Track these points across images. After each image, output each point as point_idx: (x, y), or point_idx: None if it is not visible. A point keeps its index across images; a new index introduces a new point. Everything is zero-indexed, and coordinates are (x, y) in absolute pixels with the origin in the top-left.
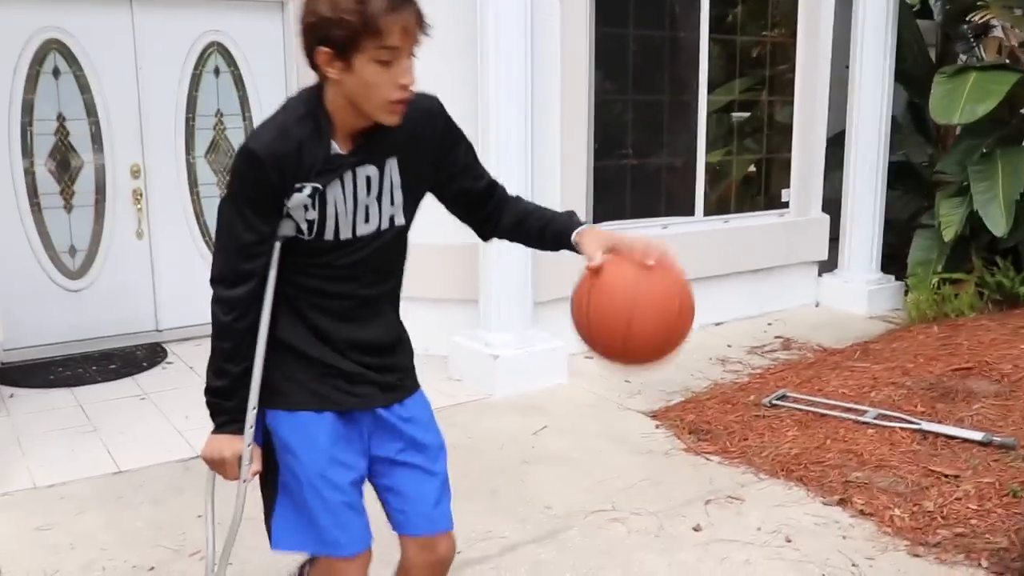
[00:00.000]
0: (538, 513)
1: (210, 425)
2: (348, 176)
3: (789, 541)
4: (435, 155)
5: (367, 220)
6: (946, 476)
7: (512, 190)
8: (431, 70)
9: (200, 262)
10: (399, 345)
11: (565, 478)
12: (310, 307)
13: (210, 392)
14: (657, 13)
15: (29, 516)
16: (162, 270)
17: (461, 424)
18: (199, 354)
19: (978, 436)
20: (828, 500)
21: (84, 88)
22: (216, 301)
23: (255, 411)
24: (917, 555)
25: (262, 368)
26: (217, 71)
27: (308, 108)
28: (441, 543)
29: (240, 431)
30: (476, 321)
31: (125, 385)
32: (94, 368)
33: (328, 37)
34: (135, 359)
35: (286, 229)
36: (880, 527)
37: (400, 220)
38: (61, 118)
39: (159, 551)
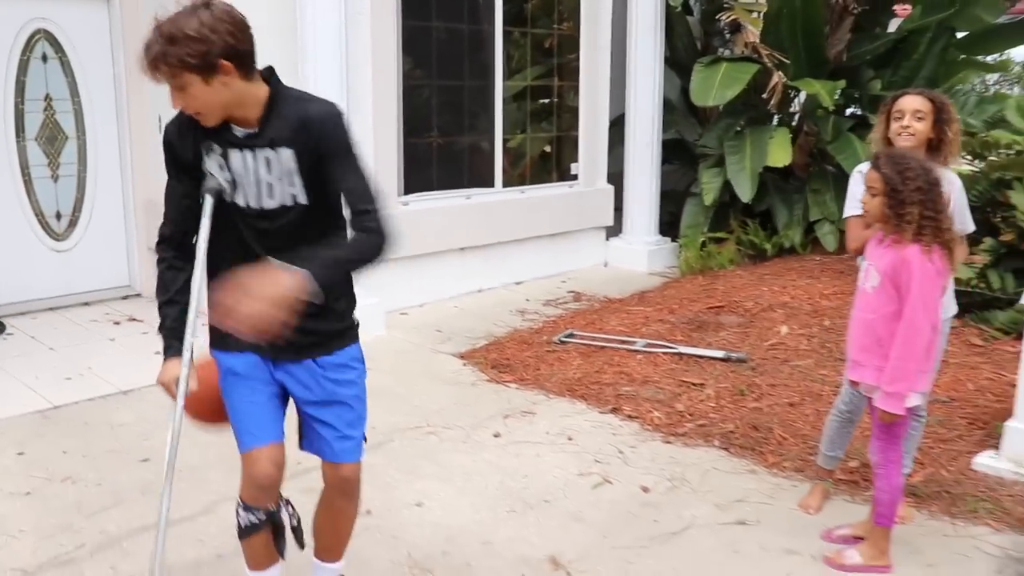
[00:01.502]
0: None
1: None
2: (248, 153)
3: (571, 439)
4: (313, 156)
5: (271, 195)
6: (694, 384)
7: None
8: (260, 61)
9: (33, 239)
10: (313, 310)
11: (388, 406)
12: (236, 266)
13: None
14: (457, 7)
15: None
16: None
17: None
18: (36, 326)
19: (720, 354)
20: (603, 409)
21: None
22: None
23: (191, 342)
24: (669, 442)
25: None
26: (45, 57)
27: None
28: (344, 468)
29: (176, 356)
30: None
31: None
32: None
33: None
34: None
35: (210, 183)
36: (643, 426)
37: (302, 200)
38: None
39: (32, 480)
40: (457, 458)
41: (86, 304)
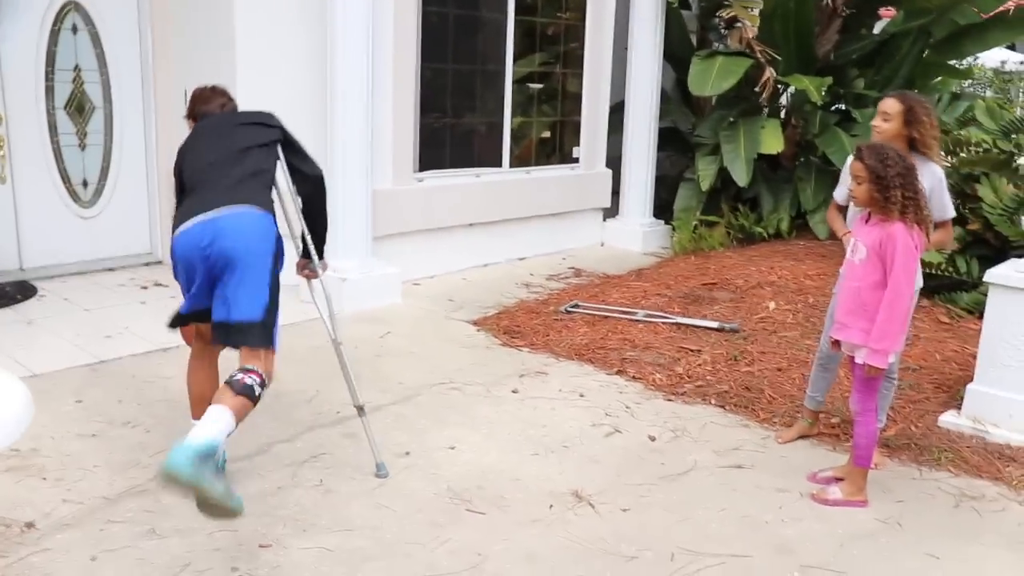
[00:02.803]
0: (394, 387)
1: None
2: None
3: (582, 396)
4: None
5: None
6: (692, 350)
7: (354, 144)
8: (290, 52)
9: (61, 206)
10: None
11: (410, 365)
12: None
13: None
14: None
15: None
16: (25, 213)
17: (320, 332)
18: (67, 289)
19: (715, 324)
20: (609, 371)
21: None
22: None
23: None
24: (670, 400)
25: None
26: (75, 28)
27: None
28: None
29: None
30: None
31: (6, 315)
32: None
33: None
34: (7, 294)
35: None
36: (646, 386)
37: None
38: None
39: (95, 424)
40: (481, 410)
41: (111, 270)
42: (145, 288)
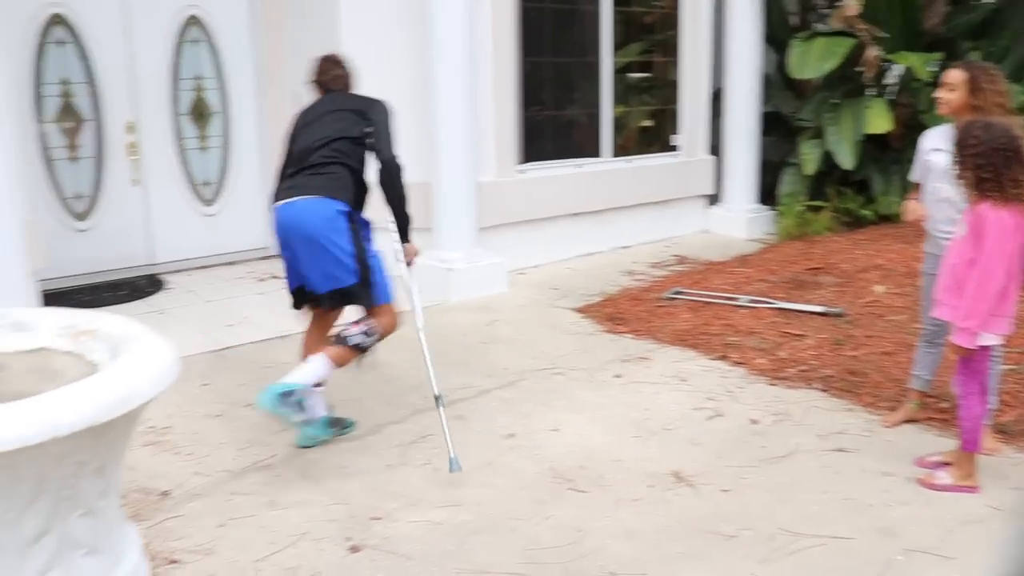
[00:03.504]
0: (500, 372)
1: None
2: None
3: (684, 381)
4: None
5: None
6: (795, 335)
7: (458, 137)
8: (393, 51)
9: (185, 205)
10: None
11: (516, 351)
12: None
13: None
14: None
15: None
16: (155, 212)
17: (429, 321)
18: (192, 282)
19: (819, 309)
20: (712, 356)
21: (84, 56)
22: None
23: None
24: (773, 384)
25: None
26: (196, 41)
27: None
28: None
29: None
30: (431, 244)
31: (140, 306)
32: (107, 294)
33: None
34: (140, 287)
35: None
36: (749, 371)
37: None
38: (65, 83)
39: (220, 405)
40: (584, 394)
41: (231, 264)
42: (262, 280)
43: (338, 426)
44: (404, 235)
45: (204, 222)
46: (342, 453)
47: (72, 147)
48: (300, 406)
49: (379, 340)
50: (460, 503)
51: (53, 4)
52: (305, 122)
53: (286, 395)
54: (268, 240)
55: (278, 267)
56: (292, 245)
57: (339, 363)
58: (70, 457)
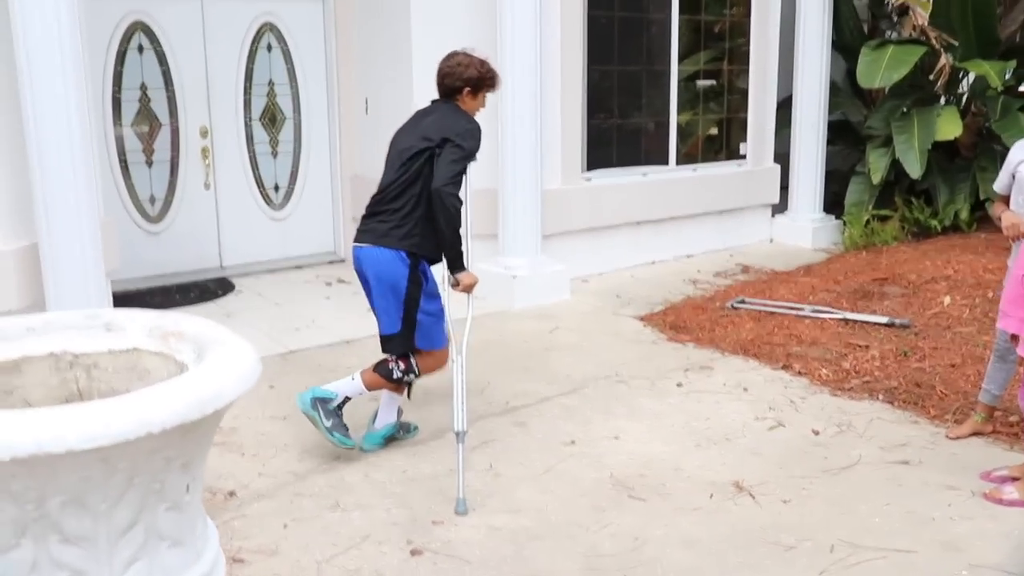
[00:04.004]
0: (562, 379)
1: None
2: None
3: (746, 390)
4: None
5: None
6: (860, 346)
7: (524, 145)
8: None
9: (256, 209)
10: None
11: (578, 359)
12: None
13: (457, 248)
14: None
15: None
16: (225, 216)
17: (492, 327)
18: (261, 285)
19: (884, 320)
20: (775, 366)
21: (162, 62)
22: (453, 197)
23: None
24: (836, 395)
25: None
26: (269, 47)
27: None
28: None
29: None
30: (495, 250)
31: (209, 308)
32: (177, 296)
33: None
34: (209, 289)
35: None
36: (812, 381)
37: None
38: (144, 87)
39: (286, 408)
40: (645, 402)
41: (298, 268)
42: (329, 284)
43: (403, 430)
44: (452, 266)
45: (274, 226)
46: (405, 457)
47: (148, 151)
48: (333, 413)
49: (418, 377)
50: (520, 509)
51: (135, 12)
52: (389, 152)
53: (321, 401)
54: (336, 244)
55: (344, 272)
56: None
57: (372, 388)
58: (159, 453)
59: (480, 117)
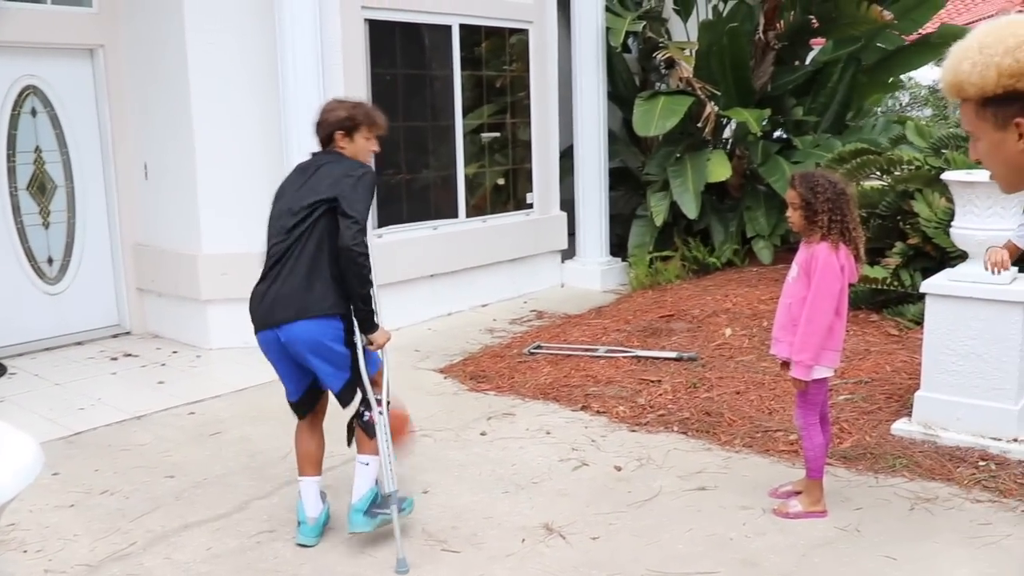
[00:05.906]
0: None
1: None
2: None
3: (549, 433)
4: None
5: None
6: (652, 381)
7: None
8: (244, 115)
9: (27, 284)
10: None
11: None
12: None
13: (368, 305)
14: (418, 54)
15: None
16: None
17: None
18: (37, 365)
19: (673, 355)
20: (574, 408)
21: None
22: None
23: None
24: (634, 431)
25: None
26: (34, 112)
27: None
28: None
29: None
30: None
31: None
32: None
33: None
34: None
35: None
36: (610, 419)
37: None
38: None
39: (73, 495)
40: (451, 454)
41: (79, 343)
42: (115, 359)
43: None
44: (363, 327)
45: (49, 301)
46: (205, 534)
47: None
48: (384, 502)
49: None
50: (334, 574)
51: None
52: (273, 207)
53: (372, 505)
54: (121, 316)
55: (132, 345)
56: (283, 355)
57: (377, 451)
58: None
59: (263, 176)
